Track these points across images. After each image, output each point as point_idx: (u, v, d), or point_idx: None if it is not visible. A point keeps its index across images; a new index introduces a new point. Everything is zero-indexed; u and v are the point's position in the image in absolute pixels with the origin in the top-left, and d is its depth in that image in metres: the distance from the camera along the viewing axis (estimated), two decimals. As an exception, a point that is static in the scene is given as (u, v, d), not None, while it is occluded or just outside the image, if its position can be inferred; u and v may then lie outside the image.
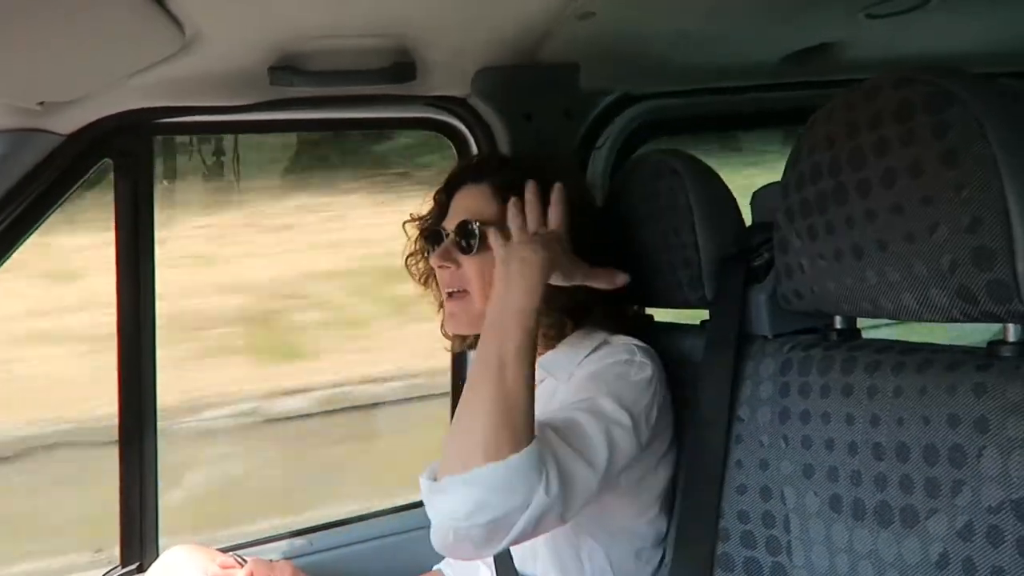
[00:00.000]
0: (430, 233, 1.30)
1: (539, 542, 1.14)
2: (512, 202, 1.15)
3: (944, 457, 0.84)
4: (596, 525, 1.16)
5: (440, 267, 1.25)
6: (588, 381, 1.13)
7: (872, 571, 0.90)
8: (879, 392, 0.92)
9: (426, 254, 1.32)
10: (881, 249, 0.89)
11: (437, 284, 1.31)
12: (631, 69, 1.59)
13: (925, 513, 0.85)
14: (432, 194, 1.35)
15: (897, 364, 0.92)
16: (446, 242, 1.25)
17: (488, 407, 0.98)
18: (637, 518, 1.19)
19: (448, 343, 1.41)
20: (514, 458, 0.94)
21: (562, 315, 1.22)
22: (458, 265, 1.24)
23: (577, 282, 1.16)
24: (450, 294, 1.25)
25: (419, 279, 1.35)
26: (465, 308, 1.24)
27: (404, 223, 1.36)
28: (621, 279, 1.17)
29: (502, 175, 1.27)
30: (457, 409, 1.03)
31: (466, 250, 1.23)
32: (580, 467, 1.01)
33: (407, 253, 1.36)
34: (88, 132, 1.34)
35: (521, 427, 0.97)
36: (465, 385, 1.04)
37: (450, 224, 1.26)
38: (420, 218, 1.35)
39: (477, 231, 1.22)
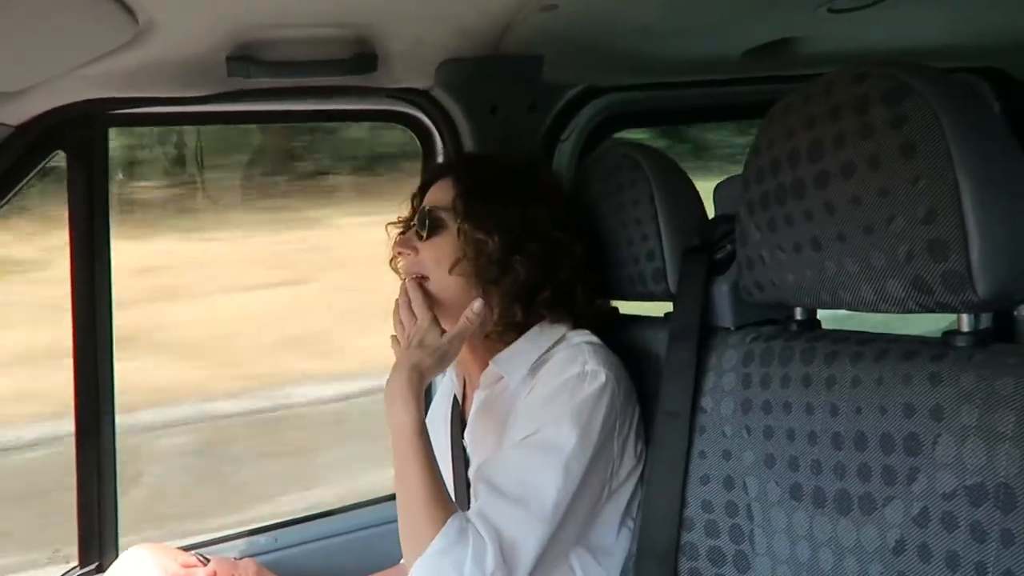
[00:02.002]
0: (403, 229, 1.33)
1: None
2: (397, 304, 1.23)
3: (900, 445, 0.85)
4: (582, 534, 1.17)
5: (399, 254, 1.29)
6: (541, 406, 1.14)
7: (832, 558, 0.92)
8: (838, 382, 0.94)
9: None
10: (840, 240, 0.90)
11: None
12: (595, 62, 1.59)
13: (882, 500, 0.86)
14: (411, 196, 1.38)
15: (855, 354, 0.93)
16: (409, 231, 1.30)
17: (402, 506, 1.09)
18: (624, 515, 1.20)
19: None
20: (433, 545, 1.03)
21: (512, 301, 1.23)
22: (416, 251, 1.27)
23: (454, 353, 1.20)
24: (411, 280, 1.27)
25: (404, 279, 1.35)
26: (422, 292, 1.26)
27: (387, 225, 1.38)
28: (477, 305, 1.20)
29: (464, 168, 1.31)
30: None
31: (420, 236, 1.27)
32: (524, 526, 1.06)
33: (392, 255, 1.36)
34: (39, 123, 1.30)
35: (432, 518, 1.05)
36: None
37: (416, 216, 1.30)
38: (403, 220, 1.36)
39: (428, 216, 1.26)
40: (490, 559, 1.02)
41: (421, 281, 1.25)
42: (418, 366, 1.14)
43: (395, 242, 1.30)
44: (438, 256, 1.25)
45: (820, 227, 0.92)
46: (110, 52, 1.17)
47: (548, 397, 1.14)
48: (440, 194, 1.28)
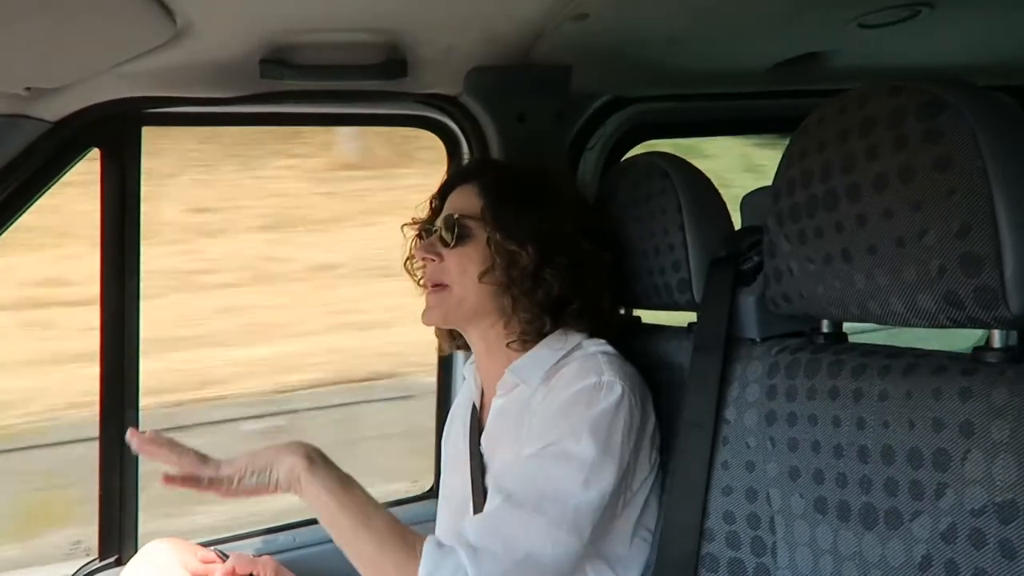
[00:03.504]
0: (422, 231, 1.33)
1: None
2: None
3: (928, 460, 0.84)
4: (597, 544, 1.16)
5: (424, 259, 1.28)
6: (557, 416, 1.13)
7: (856, 572, 0.91)
8: (865, 395, 0.93)
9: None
10: (870, 253, 0.89)
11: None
12: (623, 72, 1.60)
13: (909, 515, 0.86)
14: (429, 199, 1.38)
15: (883, 368, 0.93)
16: (431, 237, 1.29)
17: (370, 554, 1.07)
18: (637, 525, 1.19)
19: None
20: (422, 571, 1.02)
21: (542, 312, 1.23)
22: (440, 258, 1.26)
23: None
24: (433, 287, 1.27)
25: (418, 281, 1.36)
26: (442, 300, 1.26)
27: (403, 226, 1.38)
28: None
29: (489, 174, 1.31)
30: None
31: (447, 243, 1.26)
32: (542, 533, 1.05)
33: (406, 256, 1.37)
34: (75, 120, 1.32)
35: (411, 548, 1.05)
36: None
37: (441, 221, 1.29)
38: (419, 222, 1.36)
39: (457, 224, 1.25)
40: (488, 562, 1.02)
41: (441, 289, 1.26)
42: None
43: (417, 247, 1.29)
44: (465, 265, 1.24)
45: (851, 239, 0.91)
46: (148, 52, 1.20)
47: (564, 407, 1.13)
48: (465, 201, 1.28)
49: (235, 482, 1.06)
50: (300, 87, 1.40)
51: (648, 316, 1.45)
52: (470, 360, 1.41)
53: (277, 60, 1.32)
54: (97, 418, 1.47)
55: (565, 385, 1.16)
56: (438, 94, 1.54)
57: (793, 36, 1.54)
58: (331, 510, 1.06)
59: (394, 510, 1.65)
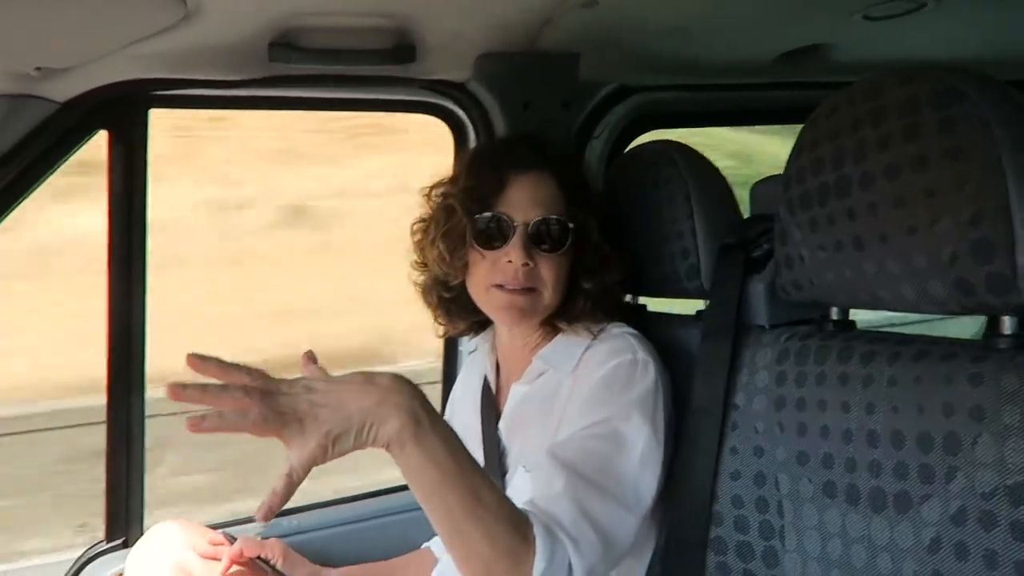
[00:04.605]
0: (495, 219, 1.20)
1: None
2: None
3: (939, 444, 0.86)
4: None
5: (523, 264, 1.18)
6: (601, 391, 1.13)
7: (864, 555, 0.92)
8: (875, 381, 0.94)
9: (472, 234, 1.22)
10: (882, 241, 0.90)
11: (456, 263, 1.24)
12: (630, 61, 1.60)
13: (919, 499, 0.87)
14: (465, 161, 1.31)
15: (893, 354, 0.94)
16: (522, 236, 1.19)
17: (467, 528, 0.90)
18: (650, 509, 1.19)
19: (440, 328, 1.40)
20: (537, 566, 0.93)
21: (594, 306, 1.25)
22: (535, 262, 1.19)
23: None
24: (522, 290, 1.20)
25: (445, 253, 1.23)
26: (533, 304, 1.21)
27: (431, 189, 1.29)
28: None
29: (565, 168, 1.26)
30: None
31: (552, 247, 1.20)
32: (616, 518, 1.04)
33: (440, 224, 1.24)
34: (84, 101, 1.32)
35: (520, 531, 0.93)
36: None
37: (520, 214, 1.20)
38: (447, 183, 1.27)
39: (569, 230, 1.20)
40: (590, 553, 0.99)
41: (531, 292, 1.20)
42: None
43: (518, 250, 1.17)
44: (558, 270, 1.21)
45: (862, 227, 0.92)
46: (157, 33, 1.19)
47: (606, 381, 1.14)
48: (553, 198, 1.22)
49: (329, 449, 0.81)
50: (308, 71, 1.40)
51: (650, 304, 1.47)
52: (476, 340, 1.42)
53: (286, 43, 1.32)
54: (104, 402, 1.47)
55: (600, 362, 1.17)
56: (445, 80, 1.54)
57: (798, 27, 1.54)
58: (434, 483, 0.87)
59: (396, 495, 1.70)
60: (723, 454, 1.12)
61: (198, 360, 0.80)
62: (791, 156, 1.05)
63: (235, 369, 0.81)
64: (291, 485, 0.78)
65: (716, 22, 1.45)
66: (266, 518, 0.77)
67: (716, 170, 1.32)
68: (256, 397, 0.78)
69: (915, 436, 0.88)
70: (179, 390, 0.76)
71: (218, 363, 0.81)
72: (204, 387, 0.78)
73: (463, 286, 1.28)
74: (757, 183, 1.28)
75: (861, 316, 1.06)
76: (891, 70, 0.91)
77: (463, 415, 1.39)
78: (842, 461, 0.96)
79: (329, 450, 0.80)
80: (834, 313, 1.07)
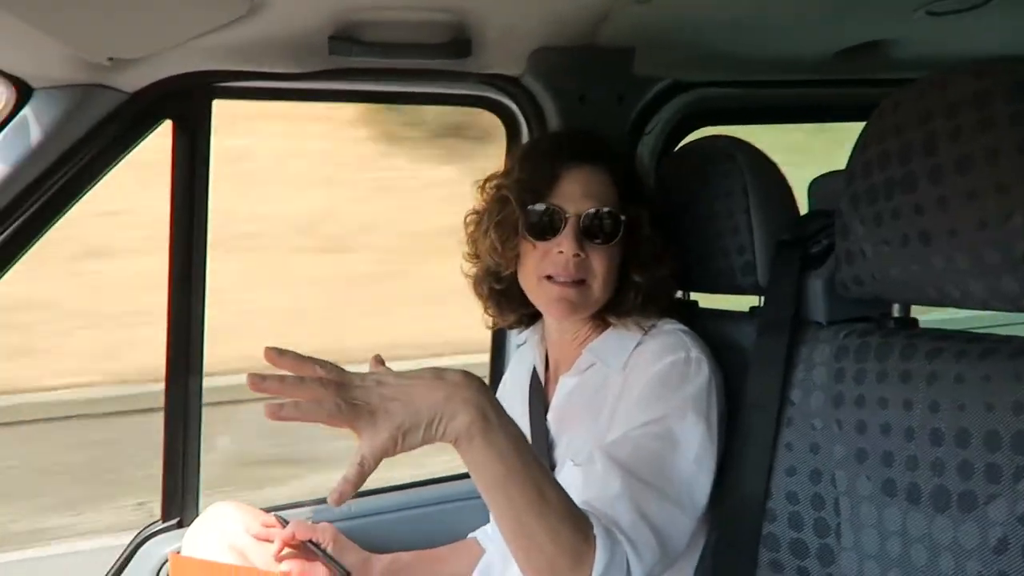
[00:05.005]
0: (548, 210, 1.21)
1: None
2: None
3: (1007, 443, 0.84)
4: None
5: (574, 255, 1.19)
6: (655, 389, 1.13)
7: (926, 554, 0.91)
8: (940, 379, 0.93)
9: (524, 225, 1.23)
10: (951, 236, 0.89)
11: (508, 253, 1.26)
12: (684, 56, 1.59)
13: (984, 498, 0.86)
14: (519, 154, 1.32)
15: (959, 352, 0.92)
16: (574, 227, 1.19)
17: (531, 525, 0.90)
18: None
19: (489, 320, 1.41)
20: (597, 566, 0.93)
21: (646, 301, 1.24)
22: (586, 254, 1.20)
23: None
24: (573, 283, 1.20)
25: (497, 243, 1.25)
26: (583, 298, 1.22)
27: (485, 181, 1.31)
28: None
29: (618, 162, 1.27)
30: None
31: (603, 239, 1.20)
32: (674, 519, 1.04)
33: (493, 215, 1.26)
34: (151, 91, 1.35)
35: (580, 529, 0.93)
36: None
37: (572, 206, 1.20)
38: (508, 179, 1.28)
39: (621, 222, 1.21)
40: (648, 555, 0.99)
41: (580, 285, 1.20)
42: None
43: (570, 240, 1.18)
44: (610, 263, 1.22)
45: (931, 222, 0.91)
46: (223, 25, 1.22)
47: (659, 379, 1.14)
48: (607, 191, 1.22)
49: (399, 442, 0.82)
50: (366, 64, 1.42)
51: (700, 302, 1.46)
52: (526, 333, 1.43)
53: (346, 37, 1.34)
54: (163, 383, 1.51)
55: (652, 359, 1.16)
56: (500, 74, 1.55)
57: (857, 23, 1.52)
58: (499, 479, 0.88)
59: (447, 484, 1.71)
60: (778, 450, 1.11)
61: (275, 354, 0.84)
62: (855, 150, 1.04)
63: (310, 362, 0.84)
64: (362, 473, 0.80)
65: (773, 18, 1.44)
66: (338, 503, 0.80)
67: (774, 165, 1.31)
68: (331, 388, 0.81)
69: (982, 435, 0.87)
70: (258, 380, 0.78)
71: (294, 356, 0.84)
72: (282, 378, 0.81)
73: (514, 278, 1.29)
74: (816, 179, 1.27)
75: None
76: (952, 66, 0.90)
77: (511, 408, 1.40)
78: (903, 459, 0.95)
79: (399, 442, 0.82)
80: (896, 310, 1.06)
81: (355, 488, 0.80)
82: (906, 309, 1.06)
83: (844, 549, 1.02)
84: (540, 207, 1.21)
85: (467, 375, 0.88)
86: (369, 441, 0.81)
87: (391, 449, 0.82)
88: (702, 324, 1.33)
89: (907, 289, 0.97)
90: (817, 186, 1.27)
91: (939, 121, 0.90)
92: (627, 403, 1.14)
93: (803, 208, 1.32)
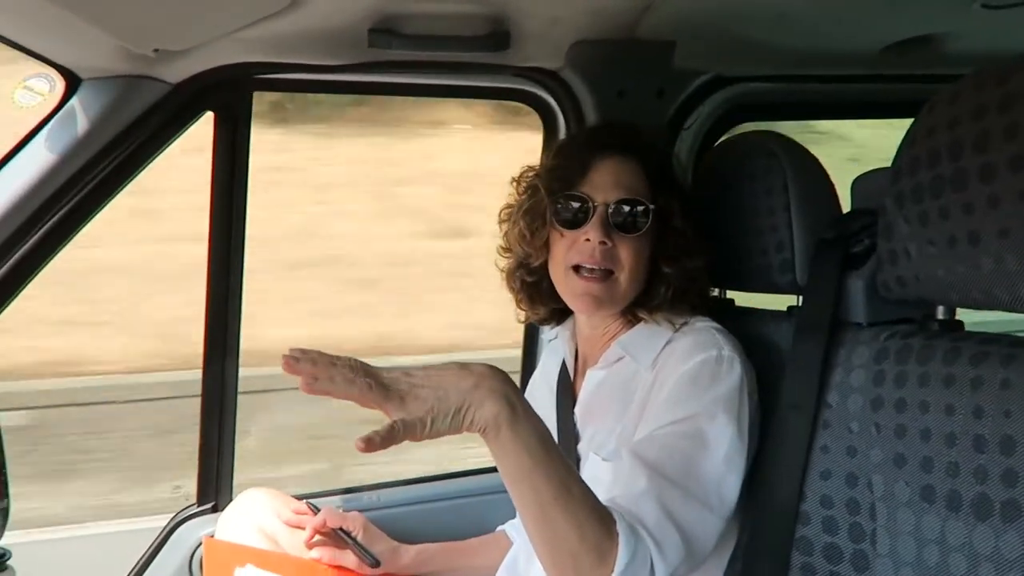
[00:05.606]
0: (576, 199, 1.21)
1: None
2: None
3: None
4: None
5: (600, 243, 1.18)
6: (685, 387, 1.11)
7: (965, 563, 0.88)
8: (985, 384, 0.90)
9: (552, 213, 1.23)
10: (1002, 236, 0.86)
11: (536, 242, 1.26)
12: (727, 50, 1.56)
13: None
14: (554, 147, 1.32)
15: (1006, 356, 0.89)
16: (601, 216, 1.19)
17: (555, 520, 0.90)
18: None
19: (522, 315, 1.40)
20: (620, 562, 0.92)
21: (680, 294, 1.23)
22: (613, 243, 1.19)
23: None
24: (591, 270, 1.20)
25: (526, 231, 1.26)
26: (611, 291, 1.21)
27: (522, 174, 1.31)
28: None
29: (650, 153, 1.26)
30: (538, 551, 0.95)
31: (631, 229, 1.19)
32: (701, 519, 1.02)
33: (521, 206, 1.28)
34: (193, 83, 1.37)
35: (605, 525, 0.93)
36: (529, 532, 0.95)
37: (600, 195, 1.20)
38: (541, 170, 1.29)
39: (650, 212, 1.20)
40: (673, 554, 0.98)
41: (608, 276, 1.19)
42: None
43: (597, 229, 1.17)
44: (638, 254, 1.21)
45: (981, 221, 0.88)
46: (265, 17, 1.23)
47: (690, 377, 1.12)
48: (638, 182, 1.22)
49: (428, 426, 0.84)
50: (405, 57, 1.42)
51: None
52: (557, 328, 1.42)
53: (385, 29, 1.34)
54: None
55: (683, 357, 1.15)
56: (538, 68, 1.54)
57: (909, 17, 1.47)
58: (525, 470, 0.88)
59: (476, 477, 1.72)
60: (813, 452, 1.09)
61: (298, 354, 0.86)
62: (901, 147, 1.01)
63: (336, 359, 0.86)
64: (392, 434, 0.82)
65: (822, 11, 1.41)
66: (364, 449, 0.81)
67: (817, 163, 1.28)
68: (361, 372, 0.85)
69: None
70: (292, 363, 0.82)
71: (319, 355, 0.86)
72: (315, 361, 0.84)
73: (545, 271, 1.29)
74: (860, 176, 1.23)
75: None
76: (1006, 61, 0.86)
77: (540, 402, 1.40)
78: (943, 465, 0.92)
79: (427, 427, 0.84)
80: (940, 312, 1.02)
81: (383, 443, 0.81)
82: (952, 310, 1.03)
83: (879, 555, 1.00)
84: (568, 195, 1.21)
85: (492, 367, 0.89)
86: (401, 416, 0.83)
87: (419, 431, 0.83)
88: (738, 323, 1.31)
89: (953, 291, 0.94)
90: (860, 184, 1.24)
91: (994, 116, 0.87)
92: (656, 401, 1.13)
93: (846, 206, 1.28)
